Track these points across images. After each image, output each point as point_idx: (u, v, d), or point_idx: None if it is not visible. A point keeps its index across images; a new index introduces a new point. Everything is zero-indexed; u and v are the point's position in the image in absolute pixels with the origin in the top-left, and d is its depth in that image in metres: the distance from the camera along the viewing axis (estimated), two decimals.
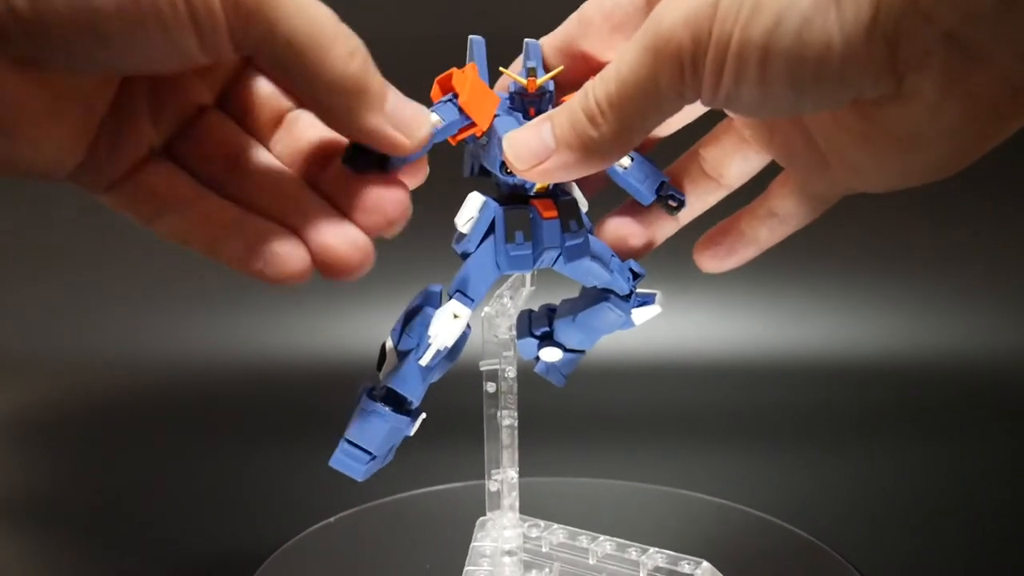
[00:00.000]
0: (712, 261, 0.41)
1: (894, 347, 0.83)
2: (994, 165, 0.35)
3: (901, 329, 0.84)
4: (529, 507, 0.45)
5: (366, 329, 0.83)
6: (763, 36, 0.27)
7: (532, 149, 0.32)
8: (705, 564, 0.43)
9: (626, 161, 0.38)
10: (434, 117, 0.33)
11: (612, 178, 0.39)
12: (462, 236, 0.36)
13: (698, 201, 0.41)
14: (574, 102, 0.32)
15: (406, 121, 0.31)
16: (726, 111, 0.35)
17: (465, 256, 0.35)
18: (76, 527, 0.60)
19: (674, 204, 0.39)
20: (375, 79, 0.30)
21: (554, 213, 0.35)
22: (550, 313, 0.43)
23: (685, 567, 0.44)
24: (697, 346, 0.83)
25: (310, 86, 0.29)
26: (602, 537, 0.45)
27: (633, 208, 0.41)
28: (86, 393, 0.81)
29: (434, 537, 0.51)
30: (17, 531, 0.60)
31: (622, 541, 0.45)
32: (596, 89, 0.31)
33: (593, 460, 0.68)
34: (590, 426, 0.73)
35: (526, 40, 0.36)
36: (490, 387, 0.41)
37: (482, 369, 0.41)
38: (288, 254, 0.31)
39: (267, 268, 0.31)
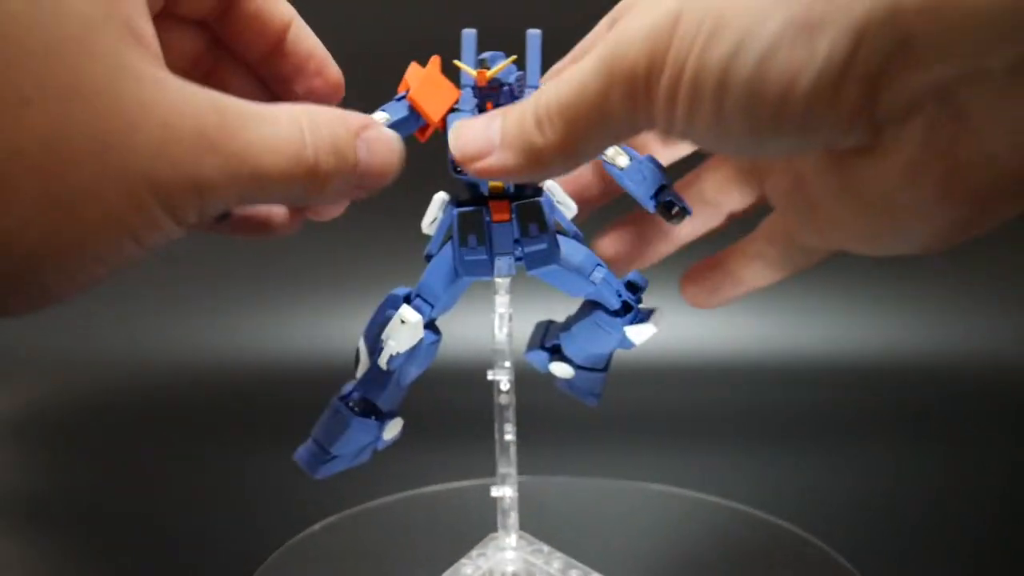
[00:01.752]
0: (697, 297, 0.38)
1: (895, 347, 0.83)
2: None
3: (901, 329, 0.84)
4: (530, 506, 0.45)
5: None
6: (719, 64, 0.24)
7: (476, 142, 0.29)
8: None
9: (623, 161, 0.35)
10: (381, 115, 0.31)
11: (610, 173, 0.36)
12: (429, 238, 0.34)
13: (694, 225, 0.38)
14: (528, 101, 0.29)
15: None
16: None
17: (429, 259, 0.34)
18: (76, 527, 0.60)
19: (675, 212, 0.36)
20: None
21: (506, 216, 0.33)
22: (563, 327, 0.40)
23: None
24: (698, 346, 0.83)
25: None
26: (595, 574, 0.44)
27: (628, 224, 0.39)
28: (86, 393, 0.81)
29: (434, 537, 0.51)
30: (17, 531, 0.60)
31: None
32: (548, 92, 0.28)
33: (592, 459, 0.68)
34: (589, 425, 0.73)
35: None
36: (501, 399, 0.40)
37: (490, 379, 0.39)
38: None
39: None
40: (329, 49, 0.35)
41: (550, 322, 0.41)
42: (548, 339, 0.41)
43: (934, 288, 0.85)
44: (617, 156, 0.35)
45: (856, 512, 0.60)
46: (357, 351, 0.35)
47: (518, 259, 0.34)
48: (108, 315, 0.86)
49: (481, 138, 0.29)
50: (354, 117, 0.28)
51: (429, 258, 0.34)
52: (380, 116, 0.31)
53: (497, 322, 0.39)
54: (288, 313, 0.86)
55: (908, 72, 0.22)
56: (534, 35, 0.33)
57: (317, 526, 0.52)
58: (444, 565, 0.46)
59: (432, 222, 0.34)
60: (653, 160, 0.36)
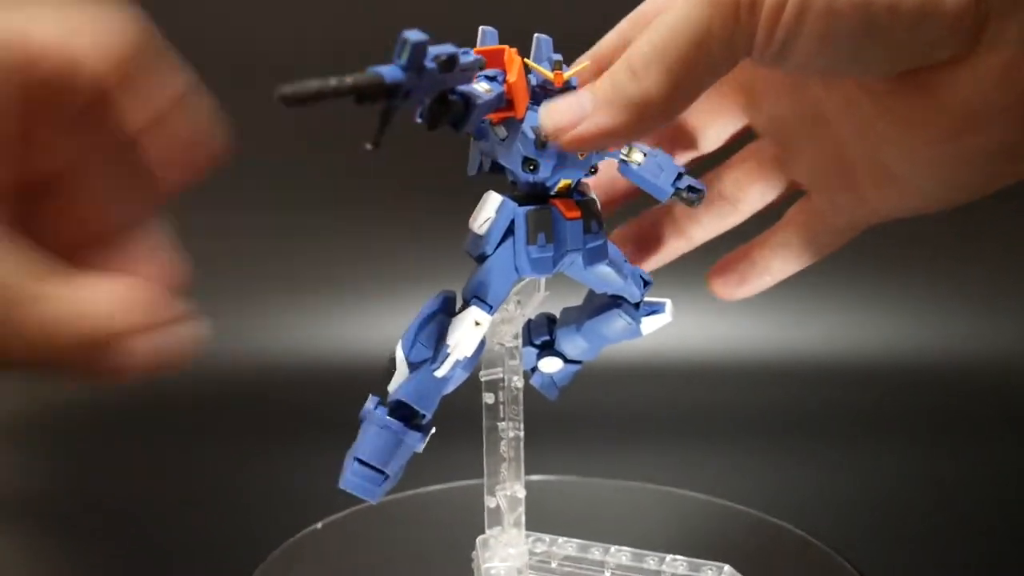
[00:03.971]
0: (725, 289, 0.39)
1: (894, 347, 0.83)
2: None
3: (902, 329, 0.84)
4: (528, 506, 0.45)
5: (366, 329, 0.83)
6: None
7: (568, 111, 0.29)
8: (727, 568, 0.42)
9: (638, 156, 0.36)
10: (483, 85, 0.30)
11: (625, 175, 0.36)
12: (477, 238, 0.33)
13: (712, 225, 0.39)
14: (617, 62, 0.29)
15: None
16: (774, 67, 0.30)
17: (481, 259, 0.33)
18: (75, 527, 0.60)
19: (693, 196, 0.36)
20: None
21: (577, 213, 0.33)
22: (549, 323, 0.41)
23: (708, 573, 0.42)
24: (697, 346, 0.83)
25: None
26: (614, 548, 0.43)
27: (643, 222, 0.40)
28: (86, 393, 0.81)
29: (433, 537, 0.51)
30: (17, 531, 0.60)
31: (637, 550, 0.43)
32: (640, 40, 0.28)
33: (592, 459, 0.68)
34: (589, 425, 0.73)
35: (537, 36, 0.33)
36: (488, 398, 0.39)
37: (482, 379, 0.39)
38: None
39: None
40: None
41: (529, 320, 0.41)
42: (534, 336, 0.41)
43: (934, 288, 0.85)
44: (632, 153, 0.36)
45: (857, 512, 0.60)
46: (391, 360, 0.33)
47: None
48: None
49: (573, 106, 0.29)
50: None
51: (481, 259, 0.33)
52: (483, 86, 0.30)
53: (518, 321, 0.38)
54: (287, 313, 0.86)
55: None
56: (545, 40, 0.33)
57: (317, 525, 0.52)
58: (443, 565, 0.46)
59: (485, 222, 0.33)
60: (663, 152, 0.36)
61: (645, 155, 0.36)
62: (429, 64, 0.26)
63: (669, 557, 0.43)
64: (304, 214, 0.89)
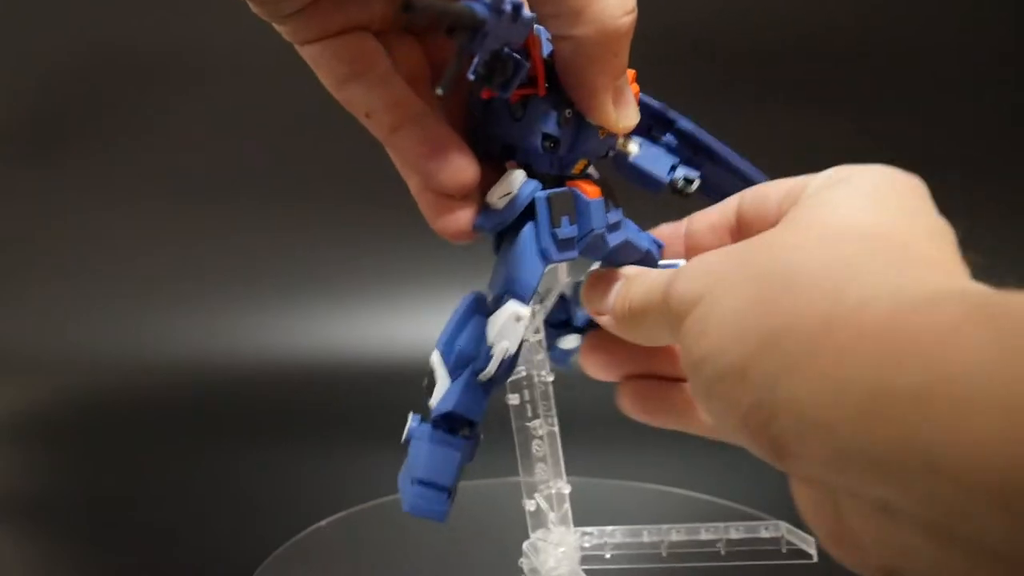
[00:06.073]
0: (633, 411, 0.39)
1: None
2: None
3: None
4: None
5: (367, 329, 0.83)
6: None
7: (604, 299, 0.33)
8: (783, 524, 0.42)
9: (634, 147, 0.35)
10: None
11: (619, 166, 0.36)
12: (494, 212, 0.32)
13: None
14: (642, 294, 0.31)
15: (625, 104, 0.31)
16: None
17: (498, 236, 0.33)
18: (75, 527, 0.60)
19: (688, 184, 0.35)
20: (626, 51, 0.29)
21: (598, 192, 0.32)
22: (563, 301, 0.39)
23: (764, 533, 0.41)
24: None
25: (575, 16, 0.28)
26: (666, 526, 0.42)
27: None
28: (86, 393, 0.81)
29: (433, 537, 0.51)
30: (17, 531, 0.60)
31: (690, 525, 0.42)
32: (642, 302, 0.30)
33: (592, 459, 0.68)
34: (589, 425, 0.73)
35: (537, 26, 0.32)
36: (513, 399, 0.37)
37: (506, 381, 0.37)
38: (462, 166, 0.31)
39: (439, 171, 0.31)
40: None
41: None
42: (551, 318, 0.39)
43: None
44: (628, 144, 0.35)
45: None
46: (430, 374, 0.33)
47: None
48: (108, 315, 0.86)
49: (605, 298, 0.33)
50: None
51: (498, 235, 0.33)
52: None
53: (539, 315, 0.37)
54: (287, 313, 0.86)
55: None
56: (543, 28, 0.32)
57: (317, 525, 0.52)
58: (444, 565, 0.46)
59: (504, 196, 0.32)
60: (663, 142, 0.36)
61: (640, 145, 0.35)
62: (506, 7, 0.26)
63: (723, 524, 0.42)
64: (304, 214, 0.89)
